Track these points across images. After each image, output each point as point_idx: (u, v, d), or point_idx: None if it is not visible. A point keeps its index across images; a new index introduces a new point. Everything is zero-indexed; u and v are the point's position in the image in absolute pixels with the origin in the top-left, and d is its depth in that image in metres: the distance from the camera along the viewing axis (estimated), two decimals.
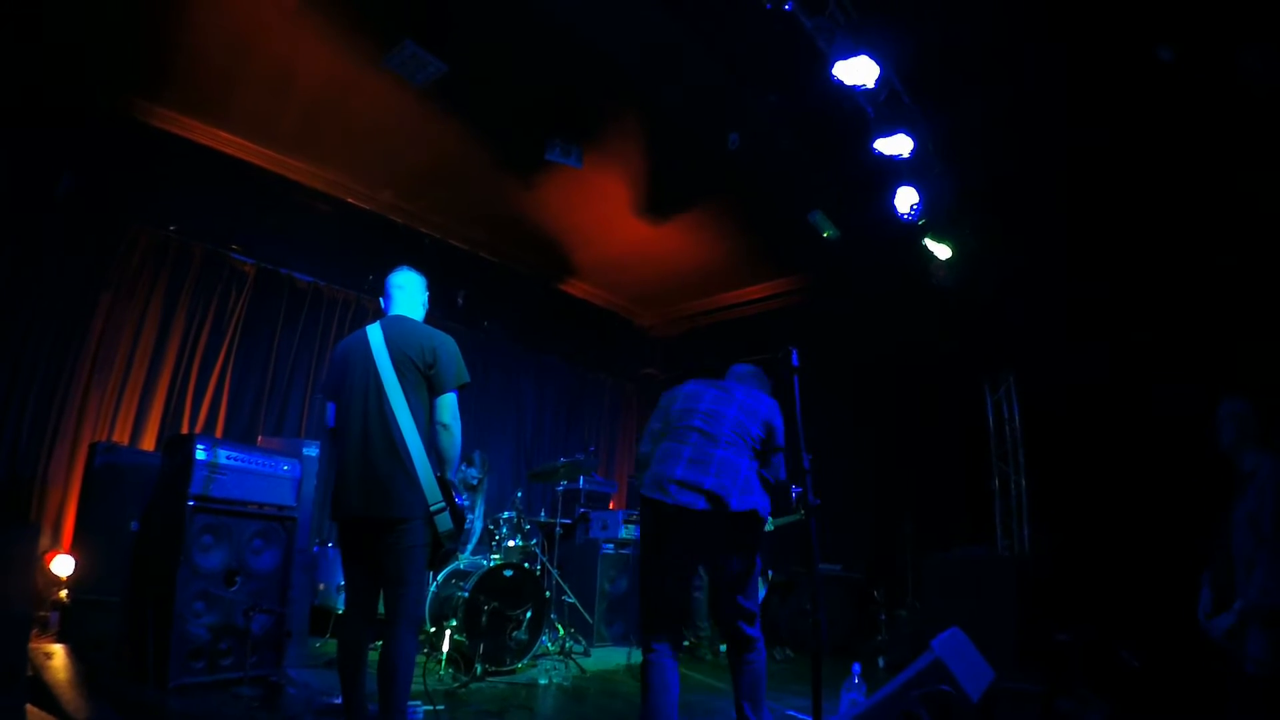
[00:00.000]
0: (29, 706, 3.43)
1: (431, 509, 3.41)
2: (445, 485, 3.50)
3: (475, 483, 7.31)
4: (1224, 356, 6.29)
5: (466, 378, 3.69)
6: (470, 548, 6.92)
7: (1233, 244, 6.39)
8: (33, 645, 4.76)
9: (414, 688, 3.67)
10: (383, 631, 3.31)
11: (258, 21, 5.87)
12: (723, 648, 7.33)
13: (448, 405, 3.59)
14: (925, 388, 8.92)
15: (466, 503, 6.77)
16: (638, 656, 6.83)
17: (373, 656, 3.37)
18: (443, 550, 3.51)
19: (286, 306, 8.25)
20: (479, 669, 5.51)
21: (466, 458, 7.26)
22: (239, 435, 7.51)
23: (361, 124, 7.17)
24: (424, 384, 3.58)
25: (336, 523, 3.57)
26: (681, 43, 5.78)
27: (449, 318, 8.75)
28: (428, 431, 3.54)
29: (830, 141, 6.61)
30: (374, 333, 3.64)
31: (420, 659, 5.16)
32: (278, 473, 5.10)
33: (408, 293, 3.91)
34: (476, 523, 7.13)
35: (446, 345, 3.66)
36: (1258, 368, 5.97)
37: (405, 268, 3.98)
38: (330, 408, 3.70)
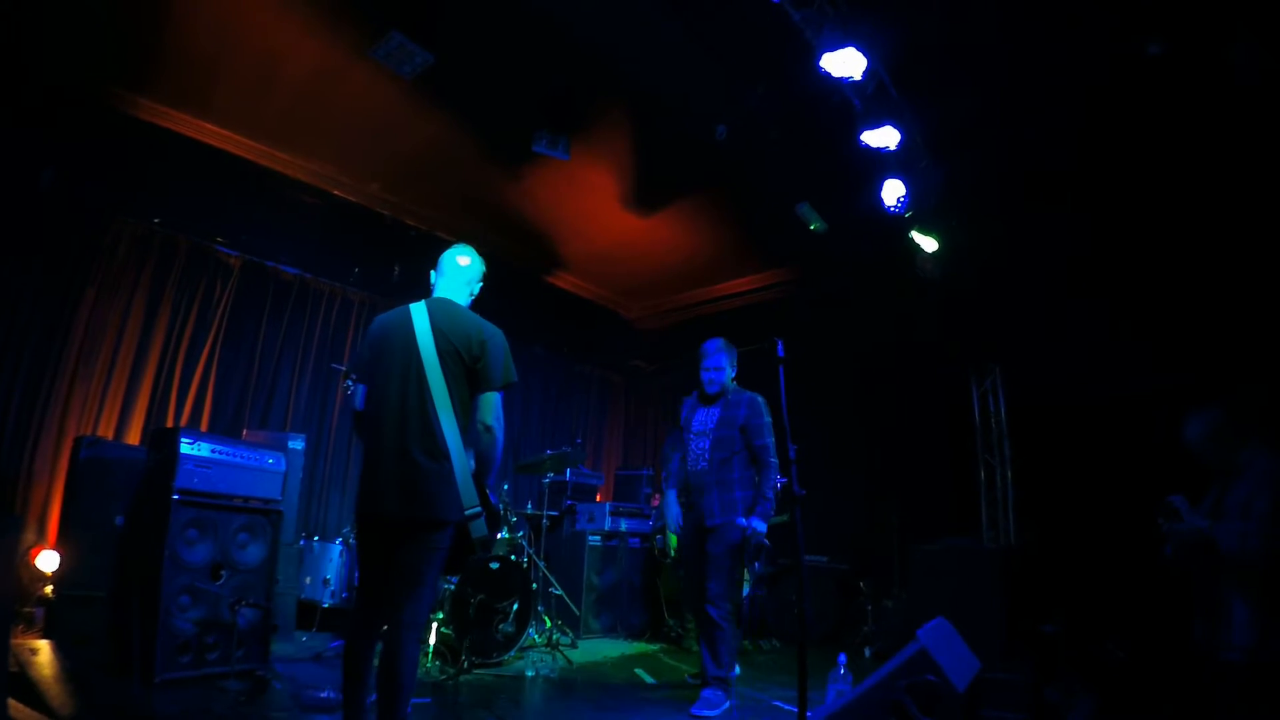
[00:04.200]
0: (13, 702, 3.42)
1: (467, 513, 3.22)
2: (483, 489, 3.31)
3: None
4: (1210, 347, 6.34)
5: (514, 377, 3.45)
6: None
7: (1221, 236, 6.43)
8: (17, 641, 4.74)
9: None
10: (387, 633, 3.14)
11: (242, 11, 5.82)
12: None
13: (492, 405, 3.35)
14: (911, 379, 8.96)
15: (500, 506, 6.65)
16: (622, 649, 6.88)
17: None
18: (474, 556, 3.35)
19: (272, 299, 8.22)
20: (466, 661, 5.51)
21: None
22: (224, 428, 7.49)
23: (348, 115, 7.12)
24: (467, 378, 3.35)
25: (360, 516, 3.35)
26: (669, 33, 5.77)
27: None
28: (467, 429, 3.33)
29: (818, 134, 6.60)
30: (418, 314, 3.41)
31: None
32: (263, 466, 5.09)
33: (463, 275, 3.65)
34: None
35: (496, 339, 3.42)
36: (1243, 357, 6.03)
37: (467, 247, 3.73)
38: (361, 390, 3.46)
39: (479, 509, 3.25)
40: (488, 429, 3.32)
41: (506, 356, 3.43)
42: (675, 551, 7.38)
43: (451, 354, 3.32)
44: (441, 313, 3.43)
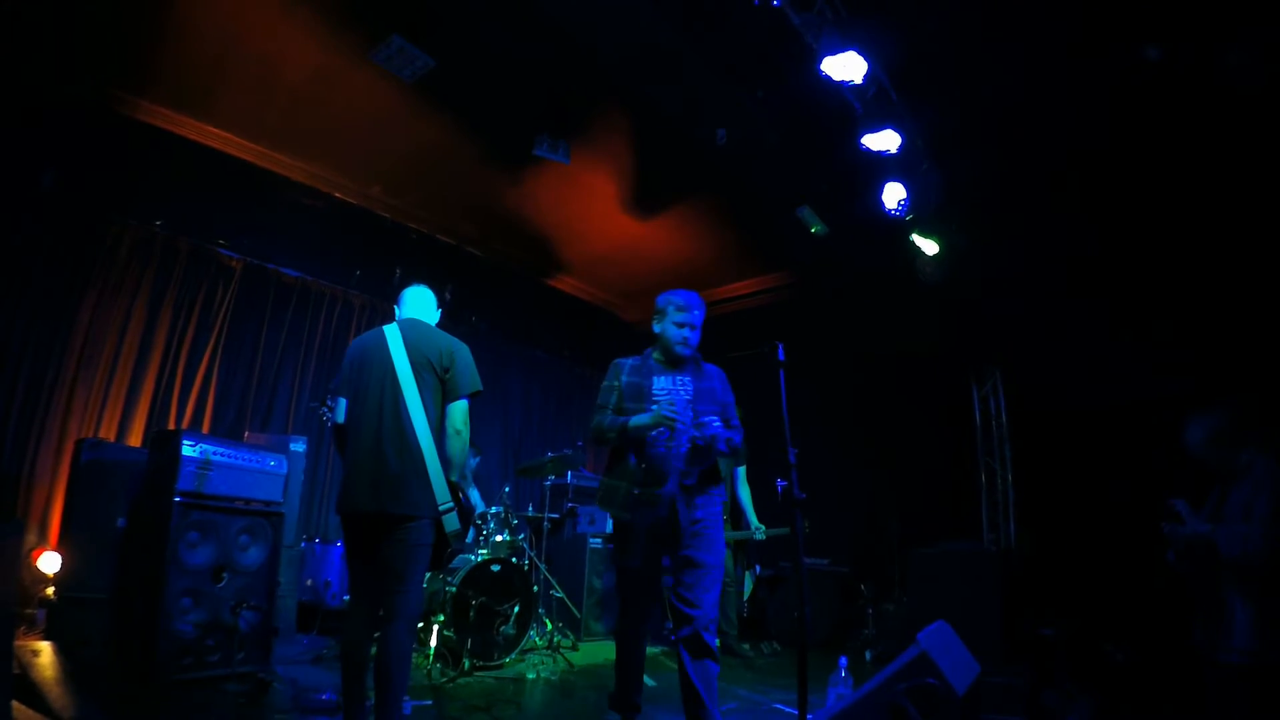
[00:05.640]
0: (16, 704, 3.42)
1: (440, 509, 3.48)
2: (454, 486, 3.56)
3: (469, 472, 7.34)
4: (1208, 351, 6.34)
5: (479, 386, 3.77)
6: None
7: (1223, 241, 6.44)
8: (19, 643, 4.75)
9: None
10: (380, 629, 3.34)
11: (244, 15, 5.84)
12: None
13: (460, 411, 3.67)
14: (912, 383, 8.97)
15: (481, 506, 6.75)
16: None
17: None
18: (449, 550, 3.59)
19: (273, 302, 8.21)
20: (467, 664, 5.52)
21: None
22: (226, 431, 7.48)
23: (349, 118, 7.14)
24: (439, 388, 3.66)
25: (342, 517, 3.61)
26: (669, 38, 5.77)
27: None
28: (439, 434, 3.60)
29: (818, 137, 6.61)
30: (392, 333, 3.72)
31: None
32: (265, 468, 5.09)
33: (423, 304, 4.02)
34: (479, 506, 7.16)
35: (463, 351, 3.75)
36: (1244, 362, 6.04)
37: (423, 286, 4.09)
38: (342, 403, 3.74)
39: (451, 504, 3.52)
40: (457, 433, 3.64)
41: (473, 368, 3.77)
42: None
43: (425, 366, 3.64)
44: (413, 330, 3.78)
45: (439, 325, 4.05)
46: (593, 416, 4.19)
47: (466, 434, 3.67)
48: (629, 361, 4.32)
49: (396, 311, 4.03)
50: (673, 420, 3.83)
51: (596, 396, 4.26)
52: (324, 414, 3.76)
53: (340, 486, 3.60)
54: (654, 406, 3.98)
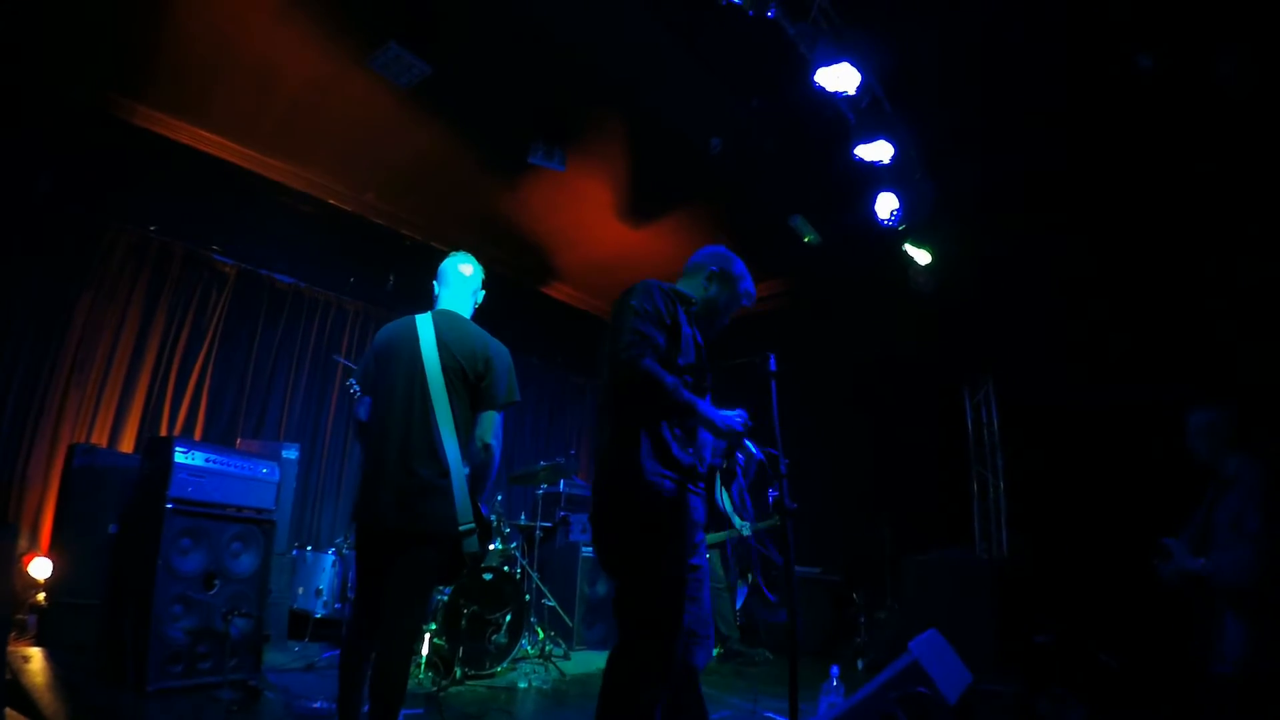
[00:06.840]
0: (8, 710, 3.41)
1: (461, 529, 3.22)
2: (477, 505, 3.31)
3: None
4: (1200, 359, 6.36)
5: (517, 396, 3.49)
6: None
7: (1216, 246, 6.46)
8: (10, 649, 4.73)
9: None
10: (380, 642, 3.14)
11: (241, 20, 5.85)
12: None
13: (493, 423, 3.37)
14: (904, 391, 8.98)
15: (494, 518, 6.62)
16: None
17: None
18: (464, 570, 3.35)
19: (267, 308, 8.22)
20: (458, 672, 5.50)
21: None
22: (218, 437, 7.48)
23: (344, 125, 7.15)
24: (470, 395, 3.36)
25: (357, 527, 3.36)
26: (665, 47, 5.80)
27: None
28: (466, 445, 3.32)
29: (812, 147, 6.66)
30: (424, 326, 3.41)
31: None
32: (257, 475, 5.07)
33: (467, 285, 3.65)
34: None
35: (501, 357, 3.45)
36: (1232, 368, 6.05)
37: (467, 255, 3.71)
38: (366, 401, 3.45)
39: (473, 526, 3.26)
40: (486, 447, 3.34)
41: (510, 375, 3.47)
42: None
43: (456, 370, 3.33)
44: (448, 327, 3.44)
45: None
46: (633, 343, 3.02)
47: (498, 449, 3.37)
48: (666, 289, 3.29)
49: (435, 287, 3.66)
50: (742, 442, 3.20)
51: (627, 317, 3.13)
52: (351, 385, 3.49)
53: (359, 494, 3.34)
54: (705, 377, 3.32)
